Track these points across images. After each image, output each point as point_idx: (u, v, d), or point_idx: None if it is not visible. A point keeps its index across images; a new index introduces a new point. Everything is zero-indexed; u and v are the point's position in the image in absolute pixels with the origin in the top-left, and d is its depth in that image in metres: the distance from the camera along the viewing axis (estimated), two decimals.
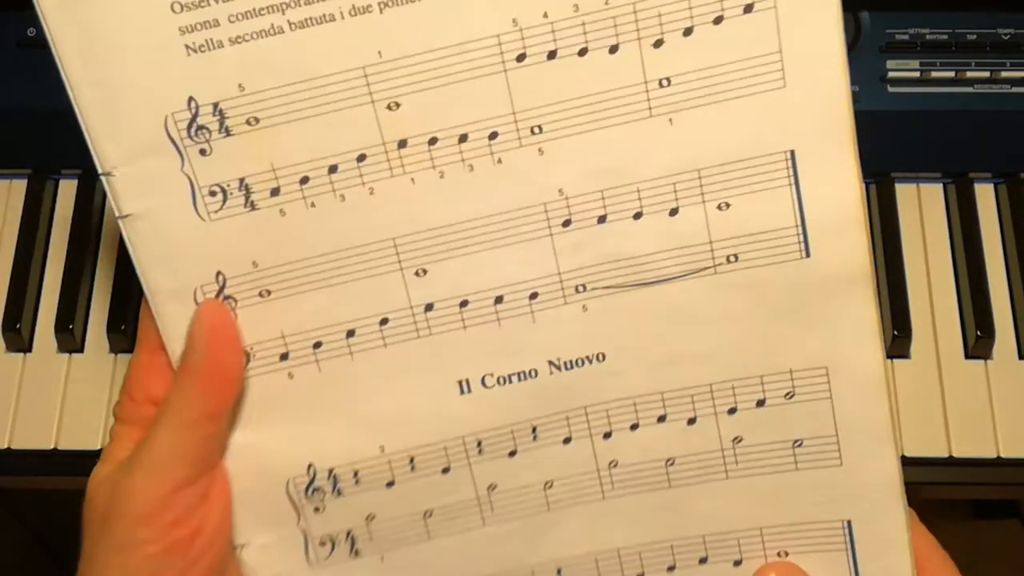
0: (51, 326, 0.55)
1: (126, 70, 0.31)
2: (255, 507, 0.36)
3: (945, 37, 0.56)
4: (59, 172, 0.58)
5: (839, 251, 0.34)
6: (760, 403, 0.36)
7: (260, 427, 0.35)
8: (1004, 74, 0.56)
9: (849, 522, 0.37)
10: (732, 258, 0.34)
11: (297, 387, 0.35)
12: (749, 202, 0.34)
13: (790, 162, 0.33)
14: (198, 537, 0.33)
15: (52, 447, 0.53)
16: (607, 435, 0.36)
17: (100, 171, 0.32)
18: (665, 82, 0.33)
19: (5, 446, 0.53)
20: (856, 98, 0.52)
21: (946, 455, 0.52)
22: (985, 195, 0.58)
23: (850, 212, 0.34)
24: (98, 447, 0.53)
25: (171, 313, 0.33)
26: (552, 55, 0.32)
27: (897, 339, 0.54)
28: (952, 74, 0.56)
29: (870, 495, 0.36)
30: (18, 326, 0.55)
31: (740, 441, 0.36)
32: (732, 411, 0.36)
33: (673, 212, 0.34)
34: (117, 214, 0.33)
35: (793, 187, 0.34)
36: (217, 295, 0.34)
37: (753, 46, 0.32)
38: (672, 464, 0.37)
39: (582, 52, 0.32)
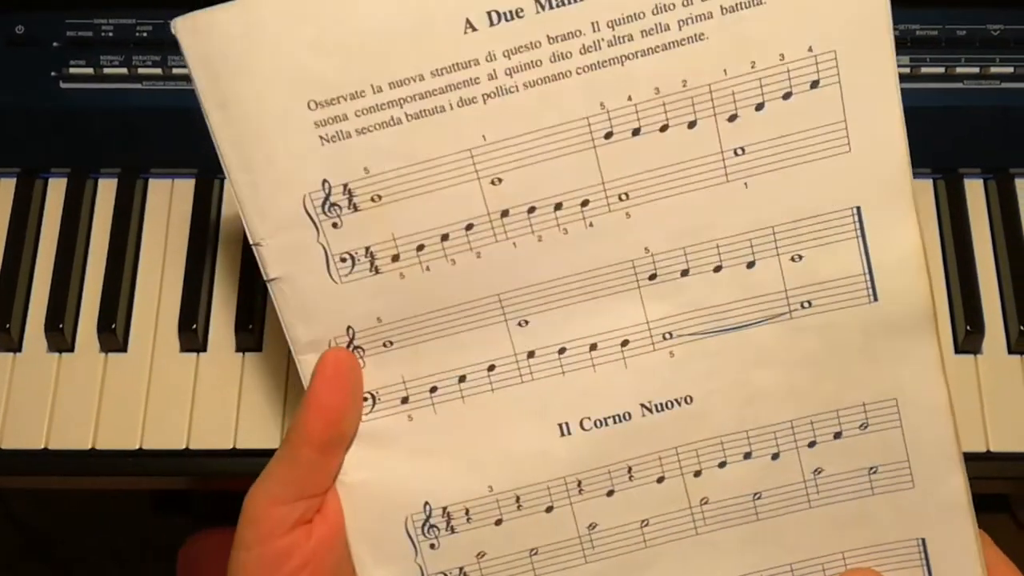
0: (41, 324, 0.55)
1: (272, 158, 0.36)
2: (375, 542, 0.40)
3: (935, 33, 0.56)
4: (48, 171, 0.58)
5: (903, 295, 0.37)
6: (837, 435, 0.39)
7: (382, 465, 0.39)
8: (994, 70, 0.56)
9: (923, 540, 0.39)
10: (806, 304, 0.38)
11: (415, 429, 0.39)
12: (820, 254, 0.37)
13: (856, 217, 0.37)
14: (292, 557, 0.37)
15: (43, 447, 0.54)
16: (697, 473, 0.40)
17: (251, 241, 0.37)
18: (740, 151, 0.36)
19: None
20: None
21: None
22: (975, 191, 0.58)
23: (912, 260, 0.37)
24: (89, 447, 0.54)
25: (309, 362, 0.38)
26: (636, 132, 0.36)
27: None
28: (942, 70, 0.56)
29: (941, 513, 0.39)
30: (8, 325, 0.55)
31: (820, 472, 0.39)
32: (812, 444, 0.39)
33: (750, 265, 0.38)
34: (265, 278, 0.38)
35: (860, 239, 0.37)
36: (347, 346, 0.38)
37: (820, 117, 0.36)
38: (759, 498, 0.40)
39: (663, 128, 0.36)
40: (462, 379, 0.39)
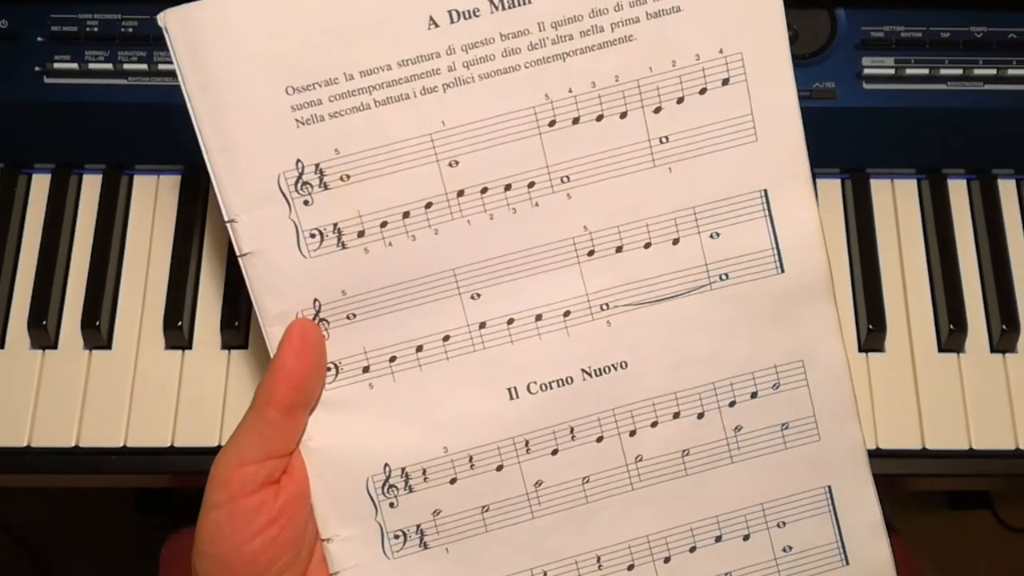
0: (24, 321, 0.55)
1: (250, 139, 0.40)
2: (338, 503, 0.42)
3: (920, 35, 0.57)
4: (32, 167, 0.58)
5: (806, 266, 0.43)
6: (754, 395, 0.44)
7: (344, 430, 0.42)
8: (977, 72, 0.56)
9: (830, 487, 0.44)
10: (723, 276, 0.43)
11: (376, 396, 0.42)
12: (734, 232, 0.43)
13: (764, 199, 0.43)
14: (260, 513, 0.39)
15: (25, 445, 0.54)
16: (632, 433, 0.44)
17: (226, 218, 0.40)
18: (664, 139, 0.42)
19: None
20: (832, 95, 0.56)
21: (920, 447, 0.54)
22: (958, 191, 0.59)
23: (812, 235, 0.43)
24: (72, 444, 0.53)
25: (277, 333, 0.41)
26: (576, 121, 0.41)
27: (872, 333, 0.55)
28: (926, 71, 0.56)
29: (843, 461, 0.44)
30: None
31: (740, 429, 0.44)
32: (732, 404, 0.44)
33: (675, 242, 0.43)
34: (238, 253, 0.41)
35: (767, 218, 0.43)
36: (313, 318, 0.41)
37: (731, 110, 0.42)
38: (687, 454, 0.44)
39: (599, 118, 0.42)
40: (419, 349, 0.42)
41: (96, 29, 0.56)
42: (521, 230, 0.42)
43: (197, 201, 0.58)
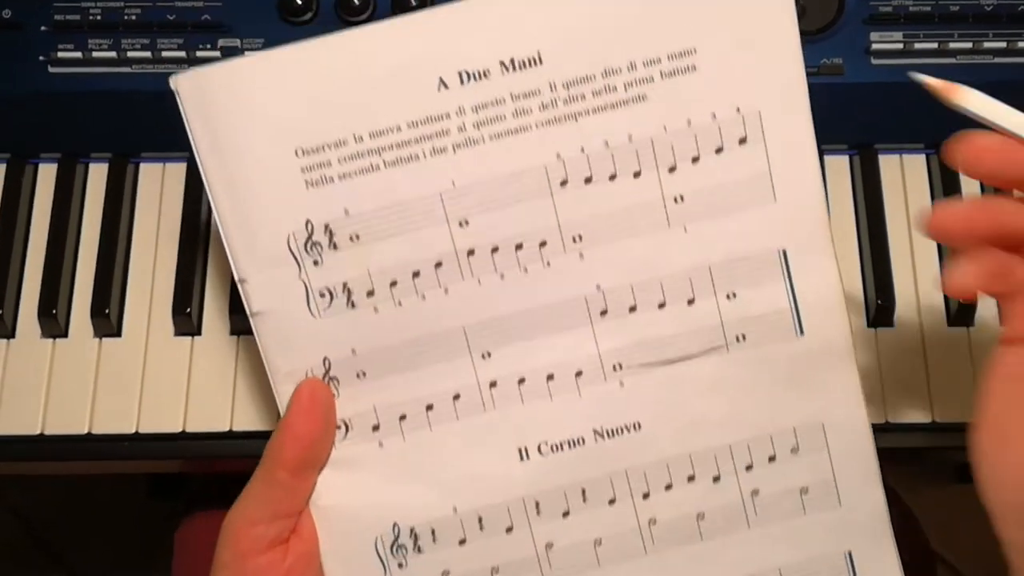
0: (34, 310, 0.55)
1: (261, 200, 0.40)
2: (348, 563, 0.42)
3: (928, 9, 0.56)
4: (38, 157, 0.58)
5: (825, 329, 0.42)
6: (772, 459, 0.43)
7: (354, 489, 0.42)
8: (987, 45, 0.55)
9: (850, 552, 0.43)
10: (741, 337, 0.42)
11: (385, 454, 0.42)
12: (752, 292, 0.42)
13: (783, 259, 0.42)
14: (269, 574, 0.40)
15: (39, 432, 0.54)
16: (646, 495, 0.43)
17: (237, 278, 0.41)
18: (679, 199, 0.41)
19: None
20: (840, 70, 0.55)
21: (929, 421, 0.53)
22: None
23: (832, 297, 0.42)
24: (85, 431, 0.54)
25: (287, 391, 0.41)
26: (588, 180, 0.41)
27: (880, 308, 0.54)
28: (935, 45, 0.55)
29: (865, 527, 0.42)
30: (0, 313, 0.55)
31: (757, 493, 0.43)
32: (749, 467, 0.43)
33: (691, 302, 0.42)
34: (248, 312, 0.41)
35: (786, 279, 0.42)
36: (323, 376, 0.41)
37: (748, 169, 0.41)
38: (703, 518, 0.43)
39: (612, 177, 0.41)
40: (429, 407, 0.42)
41: (99, 17, 0.56)
42: (533, 289, 0.42)
43: (203, 188, 0.56)
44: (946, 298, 0.56)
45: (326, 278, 0.41)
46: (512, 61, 0.40)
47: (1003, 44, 0.55)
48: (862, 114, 0.56)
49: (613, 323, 0.42)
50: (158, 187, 0.58)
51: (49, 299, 0.55)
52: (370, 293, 0.41)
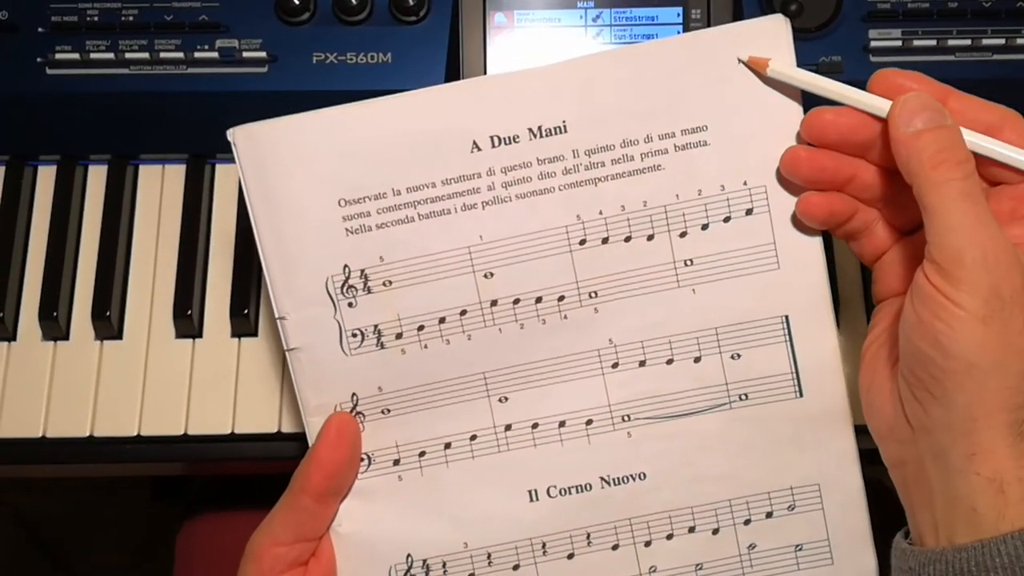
0: (35, 313, 0.55)
1: (304, 244, 0.44)
2: None
3: (927, 6, 0.56)
4: (37, 159, 0.58)
5: (824, 393, 0.44)
6: (769, 515, 0.45)
7: (372, 519, 0.44)
8: (985, 41, 0.55)
9: None
10: (743, 396, 0.45)
11: (404, 488, 0.45)
12: (755, 354, 0.44)
13: (785, 324, 0.44)
14: None
15: (40, 435, 0.54)
16: (647, 543, 0.45)
17: (277, 315, 0.44)
18: (689, 262, 0.44)
19: None
20: (839, 68, 0.56)
21: None
22: None
23: (832, 362, 0.44)
24: (86, 434, 0.54)
25: (317, 423, 0.44)
26: (605, 241, 0.44)
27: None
28: (934, 42, 0.55)
29: None
30: (1, 316, 0.55)
31: (754, 547, 0.45)
32: (747, 522, 0.45)
33: (697, 360, 0.45)
34: (285, 348, 0.44)
35: (787, 343, 0.44)
36: (351, 411, 0.44)
37: (754, 238, 0.44)
38: (701, 568, 0.45)
39: (627, 239, 0.44)
40: (447, 446, 0.45)
41: (97, 19, 0.56)
42: (550, 340, 0.45)
43: (203, 189, 0.58)
44: None
45: (359, 319, 0.44)
46: (540, 128, 0.43)
47: (1002, 40, 0.55)
48: None
49: (623, 376, 0.45)
50: (158, 188, 0.58)
51: (50, 302, 0.55)
52: (398, 336, 0.44)
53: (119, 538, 1.08)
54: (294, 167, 0.43)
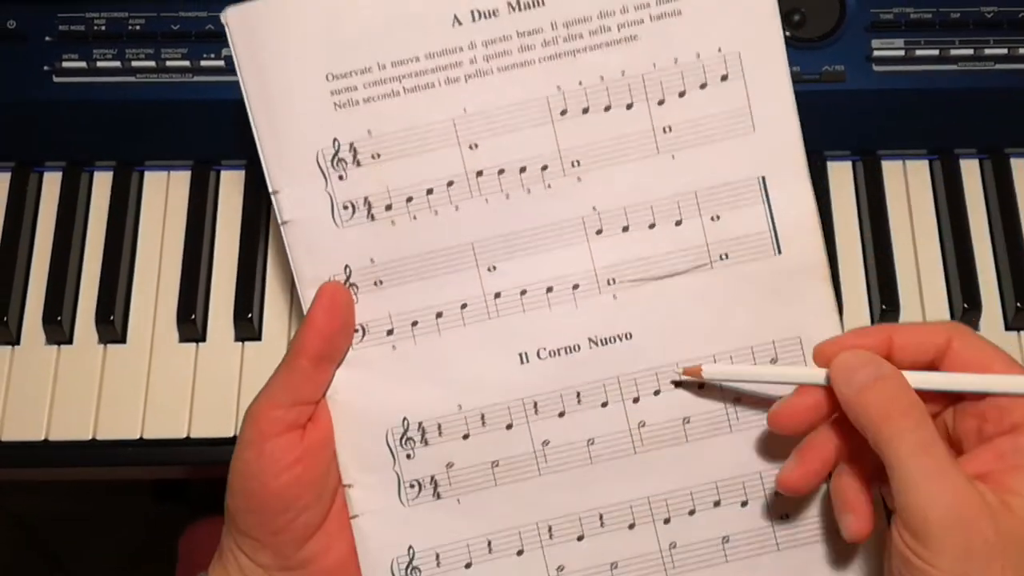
0: (38, 318, 0.56)
1: (294, 119, 0.45)
2: (359, 452, 0.46)
3: (929, 16, 0.56)
4: (43, 166, 0.59)
5: (801, 249, 0.46)
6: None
7: (368, 386, 0.46)
8: (988, 51, 0.56)
9: None
10: (724, 256, 0.46)
11: (398, 356, 0.46)
12: (734, 215, 0.46)
13: (762, 185, 0.46)
14: (287, 453, 0.44)
15: (43, 438, 0.55)
16: (636, 400, 0.47)
17: (271, 190, 0.46)
18: (668, 129, 0.46)
19: None
20: (842, 77, 0.57)
21: None
22: (971, 170, 0.59)
23: (808, 219, 0.46)
24: (89, 437, 0.54)
25: (311, 295, 0.46)
26: (585, 111, 0.46)
27: (885, 313, 0.56)
28: (936, 52, 0.56)
29: None
30: (5, 319, 0.56)
31: (739, 401, 0.46)
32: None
33: (678, 223, 0.46)
34: (279, 221, 0.46)
35: (765, 203, 0.46)
36: (344, 282, 0.46)
37: (729, 103, 0.46)
38: (688, 422, 0.47)
39: (607, 108, 0.46)
40: (439, 315, 0.46)
41: (104, 28, 0.57)
42: (535, 209, 0.46)
43: (207, 196, 0.60)
44: (951, 303, 0.58)
45: (349, 192, 0.46)
46: (519, 2, 0.45)
47: (1004, 51, 0.57)
48: (864, 120, 0.58)
49: (608, 241, 0.46)
50: (162, 195, 0.60)
51: (54, 306, 0.56)
52: (388, 207, 0.46)
53: (118, 541, 1.08)
54: (284, 44, 0.45)
